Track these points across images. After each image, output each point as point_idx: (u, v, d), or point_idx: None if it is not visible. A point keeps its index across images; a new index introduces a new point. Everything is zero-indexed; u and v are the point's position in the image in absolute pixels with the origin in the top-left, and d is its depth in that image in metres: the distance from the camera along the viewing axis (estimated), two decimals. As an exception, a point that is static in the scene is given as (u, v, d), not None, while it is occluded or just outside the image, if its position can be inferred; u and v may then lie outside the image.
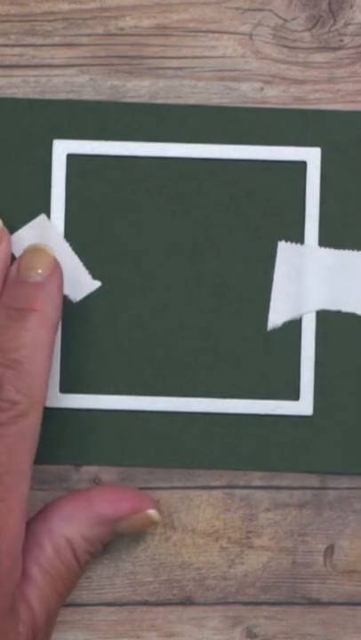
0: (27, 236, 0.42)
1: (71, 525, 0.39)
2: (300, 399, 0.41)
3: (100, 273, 0.42)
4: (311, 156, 0.42)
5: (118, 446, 0.42)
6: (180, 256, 0.42)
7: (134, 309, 0.42)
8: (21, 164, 0.42)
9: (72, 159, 0.42)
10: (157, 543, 0.42)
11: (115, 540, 0.41)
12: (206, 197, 0.42)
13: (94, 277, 0.42)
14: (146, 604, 0.42)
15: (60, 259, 0.40)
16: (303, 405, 0.41)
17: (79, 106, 0.42)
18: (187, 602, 0.42)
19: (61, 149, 0.42)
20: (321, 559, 0.42)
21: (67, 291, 0.41)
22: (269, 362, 0.42)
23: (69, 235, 0.42)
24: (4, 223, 0.41)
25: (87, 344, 0.42)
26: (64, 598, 0.39)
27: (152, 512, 0.40)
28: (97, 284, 0.42)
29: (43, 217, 0.42)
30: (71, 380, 0.42)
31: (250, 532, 0.42)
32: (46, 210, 0.42)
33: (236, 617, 0.42)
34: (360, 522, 0.42)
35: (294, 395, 0.42)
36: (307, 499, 0.42)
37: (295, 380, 0.42)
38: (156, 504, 0.40)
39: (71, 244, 0.42)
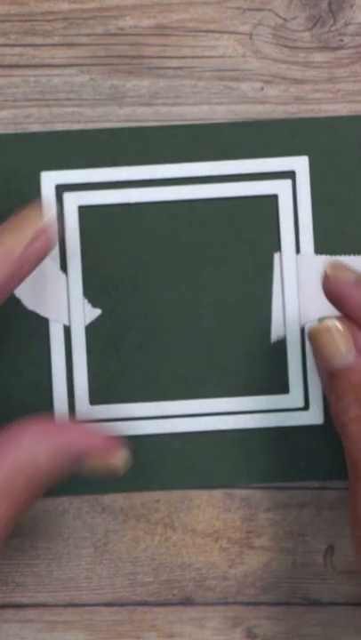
0: None
1: (40, 443, 0.37)
2: (310, 409, 0.41)
3: (100, 300, 0.42)
4: (299, 165, 0.42)
5: (132, 471, 0.41)
6: (177, 276, 0.42)
7: (137, 334, 0.42)
8: (11, 199, 0.42)
9: (61, 189, 0.42)
10: (157, 543, 0.42)
11: (114, 540, 0.41)
12: (198, 216, 0.42)
13: (94, 306, 0.42)
14: (146, 604, 0.42)
15: (57, 290, 0.41)
16: (313, 415, 0.41)
17: (63, 136, 0.42)
18: (187, 602, 0.42)
19: (50, 181, 0.42)
20: (321, 559, 0.42)
21: (66, 321, 0.42)
22: (276, 374, 0.42)
23: (65, 265, 0.42)
24: None
25: (92, 373, 0.42)
26: (16, 512, 0.37)
27: (118, 460, 0.37)
28: (97, 311, 0.42)
29: None
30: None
31: (250, 532, 0.42)
32: None
33: (236, 617, 0.42)
34: (360, 522, 0.42)
35: (304, 405, 0.42)
36: (307, 499, 0.42)
37: (304, 389, 0.42)
38: (124, 451, 0.38)
39: (68, 275, 0.42)
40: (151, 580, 0.42)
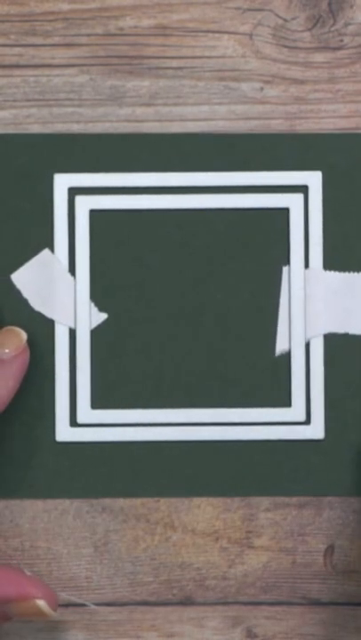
0: (31, 271, 0.42)
1: None
2: (312, 423, 0.41)
3: (107, 305, 0.42)
4: (313, 180, 0.42)
5: (129, 478, 0.42)
6: (183, 285, 0.42)
7: (141, 340, 0.42)
8: (23, 200, 0.42)
9: (73, 192, 0.42)
10: (157, 543, 0.42)
11: (114, 540, 0.41)
12: (209, 225, 0.42)
13: (100, 310, 0.42)
14: (146, 603, 0.42)
15: (64, 292, 0.41)
16: (315, 429, 0.41)
17: (78, 139, 0.42)
18: (187, 602, 0.42)
19: (62, 183, 0.42)
20: (321, 559, 0.42)
21: (73, 324, 0.41)
22: (278, 387, 0.42)
23: (74, 268, 0.42)
24: (8, 260, 0.41)
25: (96, 377, 0.42)
26: None
27: (40, 603, 0.37)
28: (103, 316, 0.42)
29: (46, 252, 0.42)
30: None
31: (250, 532, 0.42)
32: (50, 245, 0.42)
33: (236, 617, 0.42)
34: (360, 522, 0.42)
35: (306, 419, 0.42)
36: (307, 499, 0.42)
37: (306, 403, 0.42)
38: (48, 593, 0.38)
39: (76, 277, 0.42)
40: (151, 579, 0.42)
